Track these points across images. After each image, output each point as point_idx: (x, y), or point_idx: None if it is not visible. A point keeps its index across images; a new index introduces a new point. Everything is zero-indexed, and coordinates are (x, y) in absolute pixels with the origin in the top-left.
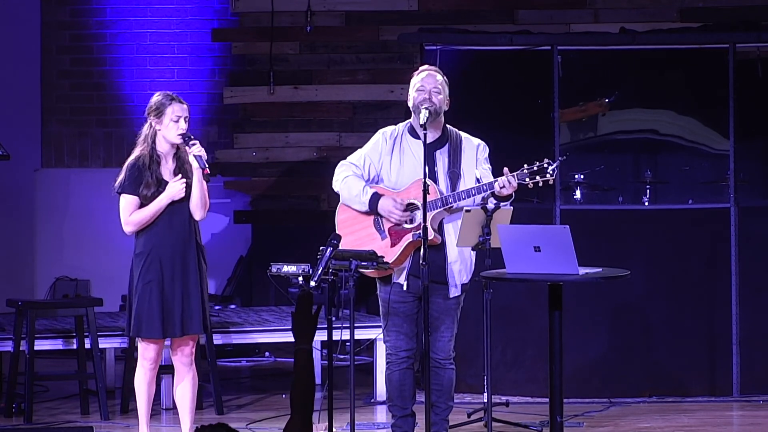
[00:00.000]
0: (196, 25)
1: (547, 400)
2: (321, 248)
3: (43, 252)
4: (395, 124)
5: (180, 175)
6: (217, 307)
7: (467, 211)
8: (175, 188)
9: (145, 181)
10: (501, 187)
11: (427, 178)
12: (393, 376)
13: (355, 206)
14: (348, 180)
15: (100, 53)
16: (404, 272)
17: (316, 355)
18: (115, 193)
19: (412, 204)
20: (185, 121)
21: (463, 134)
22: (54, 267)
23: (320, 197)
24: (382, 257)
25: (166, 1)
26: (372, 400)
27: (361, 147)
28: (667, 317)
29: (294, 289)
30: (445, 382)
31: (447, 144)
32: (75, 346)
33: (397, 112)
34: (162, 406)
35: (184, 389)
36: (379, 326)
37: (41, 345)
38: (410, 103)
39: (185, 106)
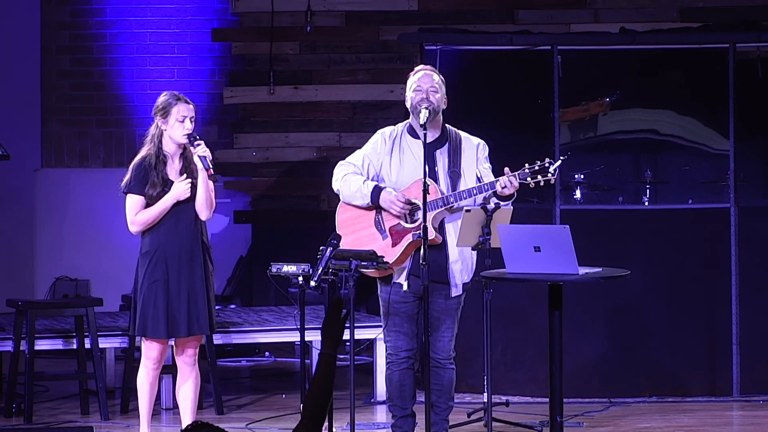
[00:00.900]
0: (196, 25)
1: (547, 400)
2: (321, 248)
3: (43, 252)
4: (395, 125)
5: (185, 176)
6: (217, 307)
7: (467, 210)
8: (180, 188)
9: (150, 180)
10: (502, 187)
11: (427, 178)
12: (393, 376)
13: (355, 202)
14: (347, 177)
15: (100, 53)
16: (405, 272)
17: (316, 354)
18: (121, 193)
19: (414, 204)
20: (191, 121)
21: (463, 133)
22: (54, 267)
23: (320, 197)
24: (382, 257)
25: (166, 1)
26: (372, 400)
27: (360, 147)
28: (667, 317)
29: (294, 289)
30: (446, 382)
31: (447, 143)
32: (75, 346)
33: (397, 112)
34: (162, 406)
35: (186, 389)
36: (379, 326)
37: (41, 345)
38: (408, 104)
39: (191, 106)
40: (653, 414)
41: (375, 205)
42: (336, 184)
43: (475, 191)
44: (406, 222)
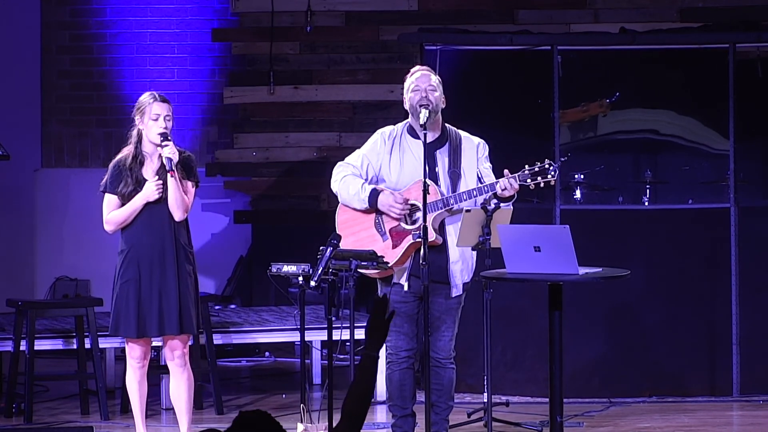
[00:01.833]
0: (196, 25)
1: (547, 400)
2: (321, 248)
3: (43, 252)
4: (394, 124)
5: (157, 177)
6: (217, 307)
7: (467, 211)
8: (149, 189)
9: (123, 180)
10: (502, 189)
11: (427, 179)
12: (393, 376)
13: (354, 205)
14: (346, 179)
15: (100, 53)
16: (405, 273)
17: (316, 354)
18: (99, 192)
19: (414, 205)
20: (165, 120)
21: (463, 133)
22: (54, 267)
23: (320, 197)
24: (382, 257)
25: (166, 1)
26: (372, 400)
27: (360, 147)
28: (667, 317)
29: (294, 289)
30: (446, 382)
31: (447, 143)
32: (75, 346)
33: (397, 112)
34: (161, 406)
35: (179, 390)
36: None
37: (41, 345)
38: (406, 105)
39: (167, 104)
40: (653, 414)
41: (373, 209)
42: (335, 186)
43: (475, 193)
44: (406, 223)
